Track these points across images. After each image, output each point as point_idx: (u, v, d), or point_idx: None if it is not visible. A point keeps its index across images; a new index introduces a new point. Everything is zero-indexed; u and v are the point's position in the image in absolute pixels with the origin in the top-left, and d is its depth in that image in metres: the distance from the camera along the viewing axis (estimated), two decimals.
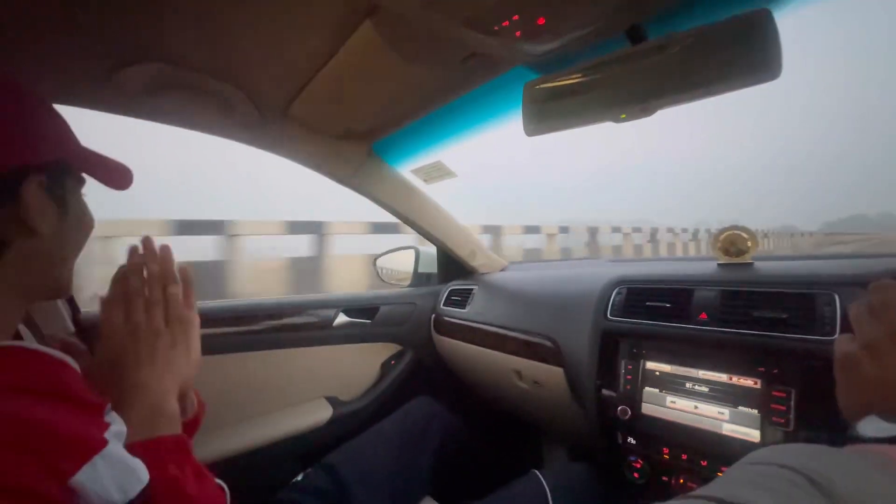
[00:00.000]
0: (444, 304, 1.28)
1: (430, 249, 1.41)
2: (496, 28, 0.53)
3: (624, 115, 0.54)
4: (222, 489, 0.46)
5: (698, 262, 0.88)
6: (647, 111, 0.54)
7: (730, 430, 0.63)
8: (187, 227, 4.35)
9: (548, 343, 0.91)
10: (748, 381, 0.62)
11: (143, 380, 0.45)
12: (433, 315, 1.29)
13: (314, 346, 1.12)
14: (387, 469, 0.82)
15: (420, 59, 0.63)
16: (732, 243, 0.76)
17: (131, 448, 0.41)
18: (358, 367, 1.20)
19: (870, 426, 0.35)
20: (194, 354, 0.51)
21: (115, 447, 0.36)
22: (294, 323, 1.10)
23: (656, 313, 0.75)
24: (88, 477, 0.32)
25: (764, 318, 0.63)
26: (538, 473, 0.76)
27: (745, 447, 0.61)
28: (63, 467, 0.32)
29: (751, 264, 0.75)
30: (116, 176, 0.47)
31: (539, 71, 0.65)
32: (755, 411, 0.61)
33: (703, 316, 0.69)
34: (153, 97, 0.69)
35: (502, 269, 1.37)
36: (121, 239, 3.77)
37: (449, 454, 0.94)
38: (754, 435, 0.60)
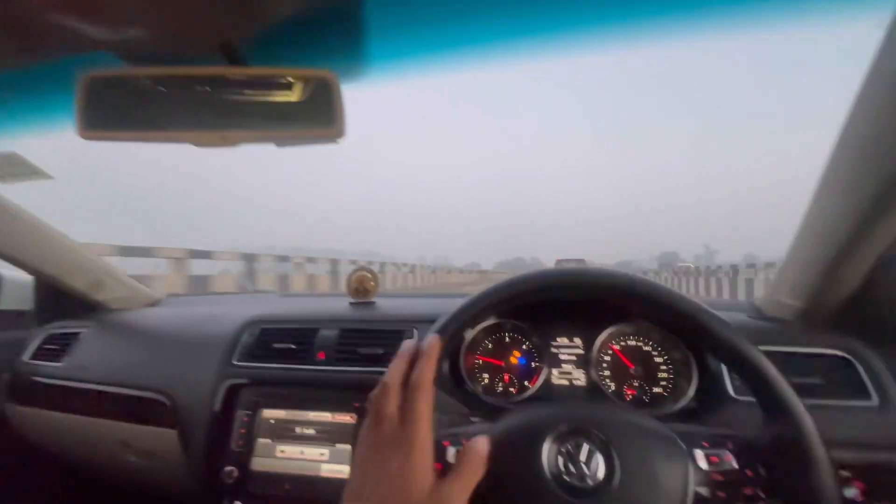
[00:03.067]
0: (30, 358, 0.89)
1: (23, 277, 0.98)
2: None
3: (205, 140, 0.48)
4: None
5: (334, 299, 0.92)
6: (228, 141, 0.49)
7: (329, 470, 0.63)
8: None
9: (161, 398, 0.74)
10: (346, 417, 0.65)
11: None
12: (7, 376, 0.88)
13: None
14: None
15: None
16: (360, 283, 0.82)
17: None
18: None
19: None
20: None
21: None
22: None
23: (283, 355, 0.71)
24: None
25: (366, 354, 0.68)
26: None
27: (341, 487, 0.62)
28: None
29: (373, 303, 0.82)
30: None
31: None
32: (350, 447, 0.63)
33: (321, 355, 0.69)
34: None
35: (152, 304, 1.10)
36: None
37: None
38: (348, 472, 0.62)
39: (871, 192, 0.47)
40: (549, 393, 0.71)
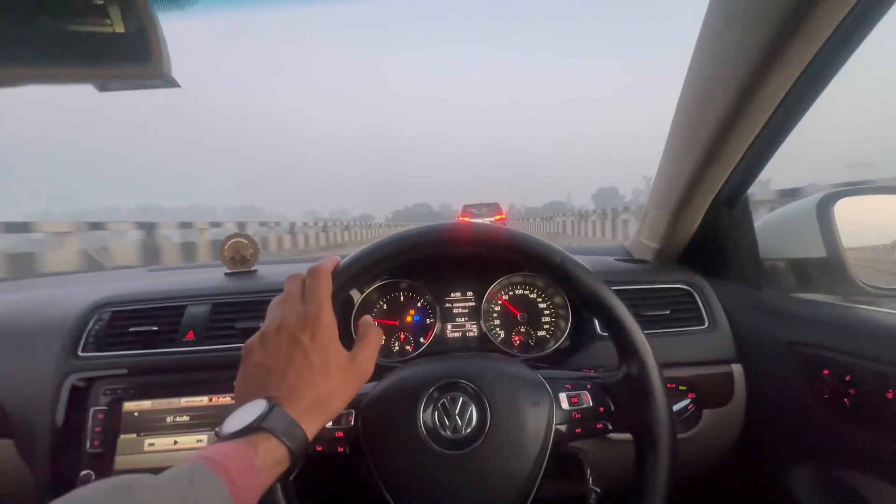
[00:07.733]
0: None
1: None
2: None
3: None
4: None
5: (209, 270, 0.83)
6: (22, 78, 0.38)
7: None
8: None
9: None
10: (225, 399, 0.60)
11: None
12: None
13: None
14: None
15: None
16: (237, 251, 0.74)
17: None
18: None
19: (234, 420, 0.34)
20: None
21: None
22: None
23: (143, 340, 0.62)
24: None
25: (243, 328, 0.62)
26: None
27: None
28: None
29: (254, 272, 0.75)
30: None
31: None
32: None
33: (190, 335, 0.62)
34: None
35: None
36: None
37: None
38: None
39: (702, 143, 0.52)
40: (442, 347, 0.72)
